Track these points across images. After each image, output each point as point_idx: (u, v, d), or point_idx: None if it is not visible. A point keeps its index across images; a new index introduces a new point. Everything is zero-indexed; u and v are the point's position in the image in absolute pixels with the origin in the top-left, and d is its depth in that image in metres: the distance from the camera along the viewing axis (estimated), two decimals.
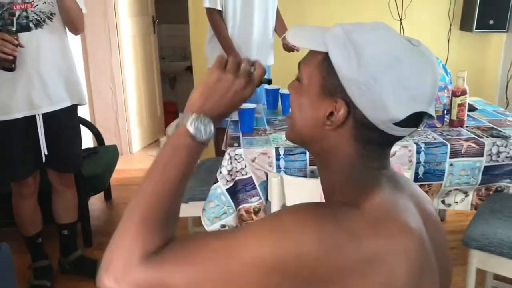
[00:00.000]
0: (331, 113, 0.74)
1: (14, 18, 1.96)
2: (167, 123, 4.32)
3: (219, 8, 2.69)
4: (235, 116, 2.19)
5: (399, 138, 0.77)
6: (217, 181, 1.88)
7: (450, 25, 3.59)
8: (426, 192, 1.98)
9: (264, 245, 0.66)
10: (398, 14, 3.45)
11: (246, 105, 2.07)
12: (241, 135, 2.02)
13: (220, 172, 1.87)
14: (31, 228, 2.34)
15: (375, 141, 0.75)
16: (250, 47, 2.76)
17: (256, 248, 0.66)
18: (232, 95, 0.78)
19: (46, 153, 2.17)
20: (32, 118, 2.12)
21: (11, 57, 1.93)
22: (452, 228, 2.75)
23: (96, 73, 4.08)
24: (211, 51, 2.80)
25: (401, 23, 3.46)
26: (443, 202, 2.07)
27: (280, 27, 2.88)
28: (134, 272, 0.66)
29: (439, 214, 2.87)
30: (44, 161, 2.19)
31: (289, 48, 2.73)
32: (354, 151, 0.76)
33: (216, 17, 2.71)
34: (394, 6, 3.45)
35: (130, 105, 4.25)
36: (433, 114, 0.75)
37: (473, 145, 1.92)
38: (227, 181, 1.87)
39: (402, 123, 0.73)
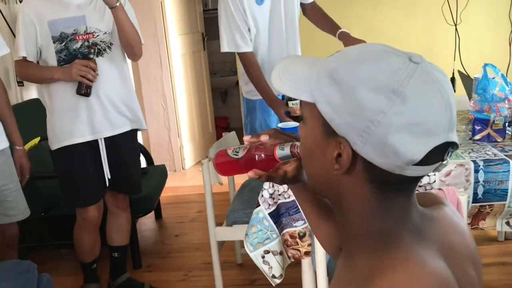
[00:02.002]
0: (339, 155, 0.65)
1: (96, 48, 2.08)
2: (218, 138, 4.32)
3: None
4: None
5: (421, 176, 0.67)
6: (259, 205, 1.81)
7: None
8: (488, 213, 1.82)
9: None
10: (453, 19, 3.25)
11: (288, 124, 1.99)
12: None
13: (262, 196, 1.80)
14: (89, 256, 2.38)
15: (392, 183, 0.65)
16: None
17: None
18: None
19: (109, 177, 2.22)
20: (95, 143, 2.18)
21: (91, 84, 2.06)
22: None
23: (148, 92, 4.15)
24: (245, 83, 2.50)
25: (456, 29, 3.26)
26: (507, 223, 1.89)
27: (330, 26, 2.41)
28: None
29: (504, 235, 2.66)
30: (108, 185, 2.24)
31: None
32: (371, 196, 0.67)
33: (246, 58, 2.36)
34: (447, 10, 3.26)
35: (182, 122, 4.29)
36: (456, 140, 0.64)
37: None
38: (269, 204, 1.80)
39: (423, 161, 0.62)
